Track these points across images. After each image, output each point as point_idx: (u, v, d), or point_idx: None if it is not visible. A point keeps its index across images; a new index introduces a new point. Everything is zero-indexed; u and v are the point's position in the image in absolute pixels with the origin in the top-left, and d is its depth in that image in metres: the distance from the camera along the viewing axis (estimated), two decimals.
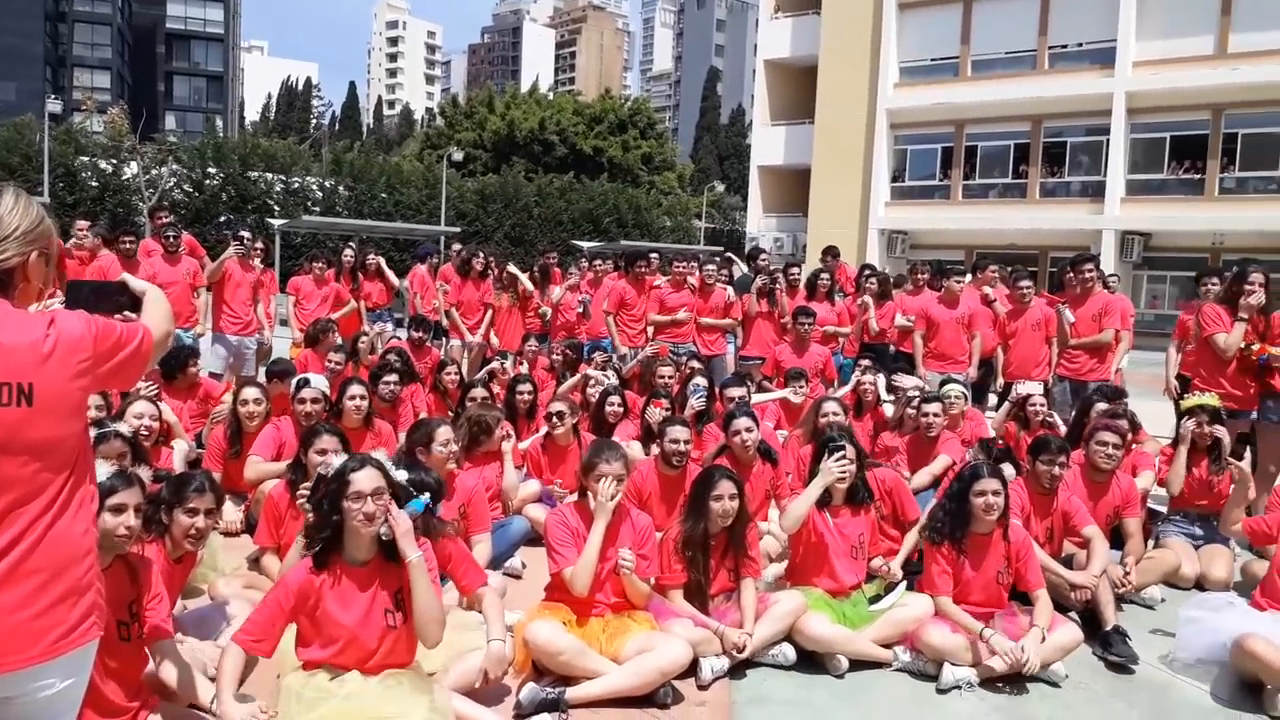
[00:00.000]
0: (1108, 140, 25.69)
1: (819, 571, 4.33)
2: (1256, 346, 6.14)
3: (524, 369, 8.09)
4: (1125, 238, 25.45)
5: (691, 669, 3.78)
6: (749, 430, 5.24)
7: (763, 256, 10.42)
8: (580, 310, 9.79)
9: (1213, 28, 24.21)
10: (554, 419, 5.98)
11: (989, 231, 27.19)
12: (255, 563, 4.61)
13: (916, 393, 6.55)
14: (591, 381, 7.65)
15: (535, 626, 3.64)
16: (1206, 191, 24.85)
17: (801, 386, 7.37)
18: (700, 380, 6.99)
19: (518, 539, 5.14)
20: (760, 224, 35.01)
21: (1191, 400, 5.97)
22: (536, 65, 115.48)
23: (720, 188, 54.59)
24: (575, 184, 39.61)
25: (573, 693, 3.57)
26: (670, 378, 7.41)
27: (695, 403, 6.60)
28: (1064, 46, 26.66)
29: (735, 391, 6.76)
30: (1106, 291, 7.85)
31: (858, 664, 4.08)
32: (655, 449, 5.28)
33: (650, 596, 3.96)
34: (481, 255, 9.98)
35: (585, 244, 25.64)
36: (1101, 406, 5.98)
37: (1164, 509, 5.88)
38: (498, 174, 40.69)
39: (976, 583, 4.21)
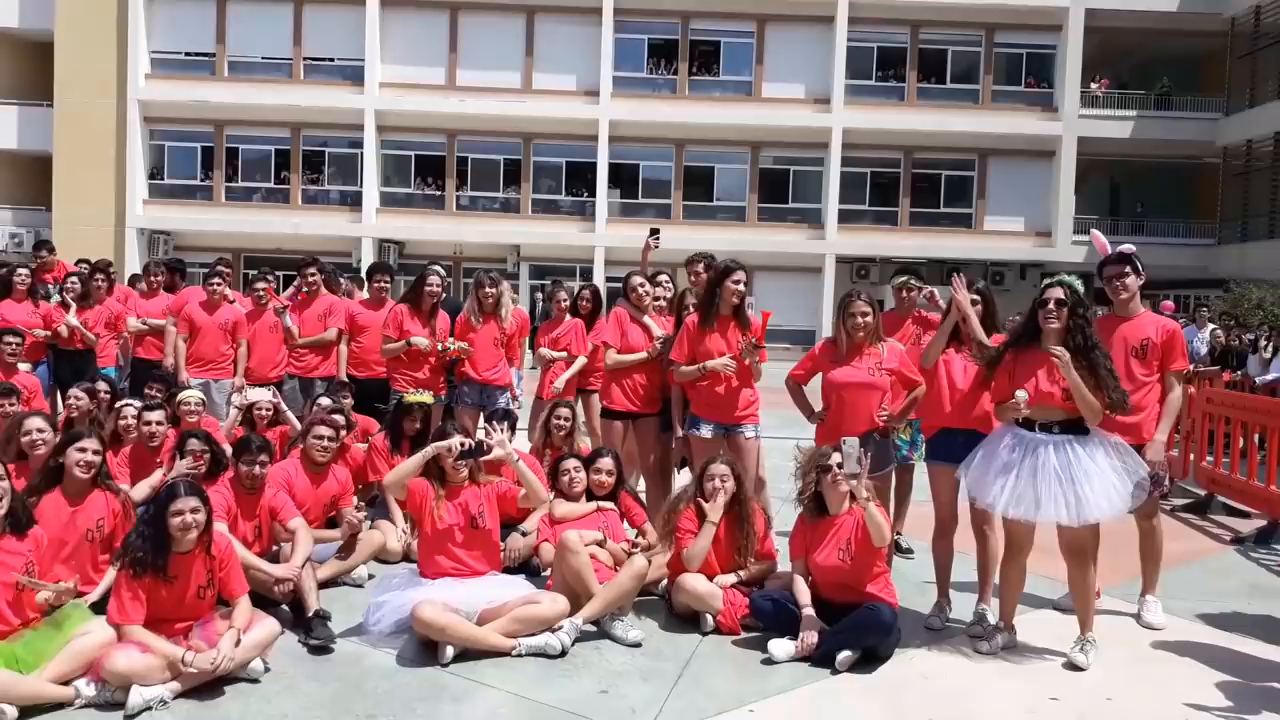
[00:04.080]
0: (362, 153, 27.41)
1: None
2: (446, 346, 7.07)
3: None
4: (382, 245, 27.45)
5: None
6: None
7: None
8: None
9: (444, 61, 27.43)
10: None
11: (255, 235, 27.04)
12: None
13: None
14: None
15: None
16: (447, 206, 28.09)
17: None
18: None
19: None
20: None
21: (413, 396, 6.63)
22: None
23: None
24: None
25: None
26: None
27: None
28: (318, 59, 27.67)
29: None
30: (332, 295, 8.28)
31: (34, 709, 3.67)
32: None
33: None
34: None
35: None
36: (324, 402, 6.33)
37: None
38: None
39: (177, 602, 4.10)
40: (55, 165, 27.68)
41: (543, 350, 7.53)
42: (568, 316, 7.65)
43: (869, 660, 4.42)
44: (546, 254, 27.74)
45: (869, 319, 5.04)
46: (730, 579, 4.93)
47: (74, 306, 8.09)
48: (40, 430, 5.25)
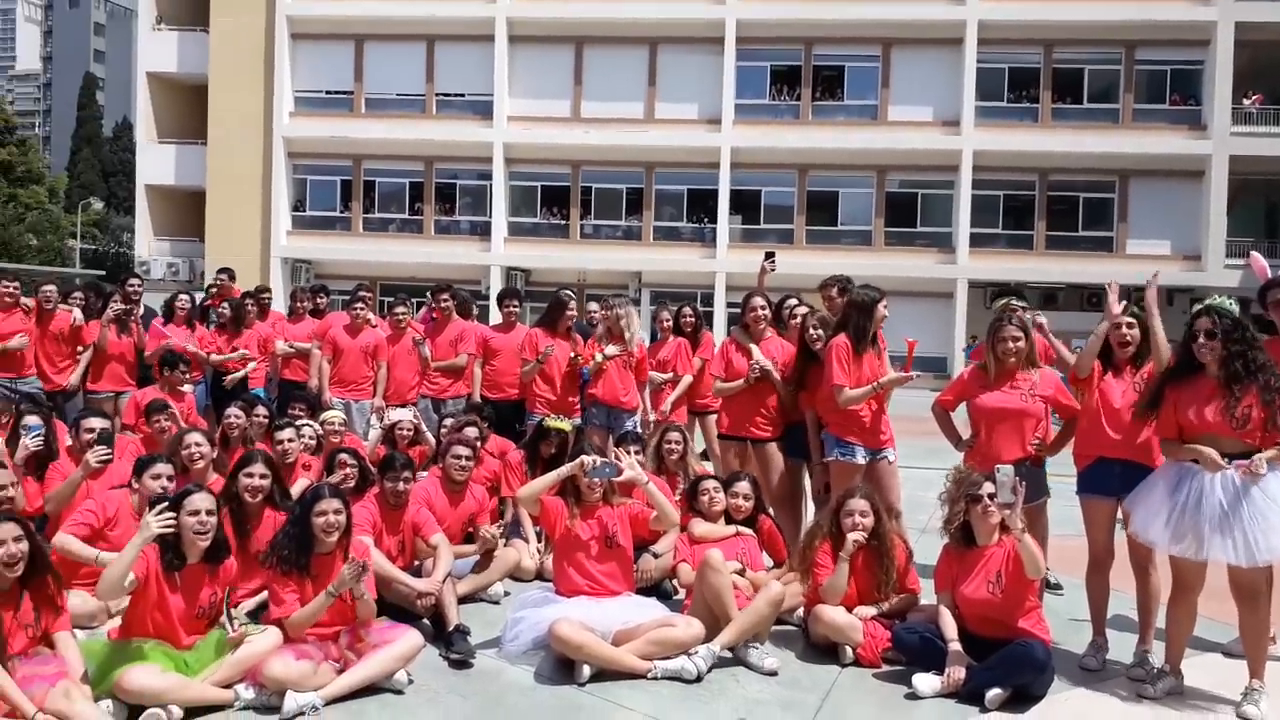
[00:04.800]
0: (491, 185, 28.24)
1: (158, 633, 4.00)
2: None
3: None
4: (510, 273, 28.16)
5: None
6: None
7: (132, 282, 9.40)
8: None
9: (568, 94, 28.05)
10: None
11: (390, 264, 28.16)
12: None
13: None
14: None
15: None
16: (571, 235, 28.63)
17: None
18: (30, 420, 6.09)
19: None
20: (152, 248, 31.97)
21: (553, 422, 6.69)
22: None
23: (99, 205, 48.63)
24: None
25: None
26: None
27: (29, 442, 5.76)
28: (449, 95, 28.72)
29: (96, 424, 6.03)
30: (464, 320, 8.47)
31: (197, 710, 3.85)
32: None
33: None
34: None
35: None
36: (449, 422, 6.48)
37: None
38: None
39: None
40: (208, 199, 29.55)
41: (649, 374, 7.54)
42: (671, 337, 7.65)
43: (1020, 700, 4.20)
44: (668, 280, 27.87)
45: (1020, 343, 4.86)
46: (870, 610, 4.77)
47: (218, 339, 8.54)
48: (198, 444, 5.51)
